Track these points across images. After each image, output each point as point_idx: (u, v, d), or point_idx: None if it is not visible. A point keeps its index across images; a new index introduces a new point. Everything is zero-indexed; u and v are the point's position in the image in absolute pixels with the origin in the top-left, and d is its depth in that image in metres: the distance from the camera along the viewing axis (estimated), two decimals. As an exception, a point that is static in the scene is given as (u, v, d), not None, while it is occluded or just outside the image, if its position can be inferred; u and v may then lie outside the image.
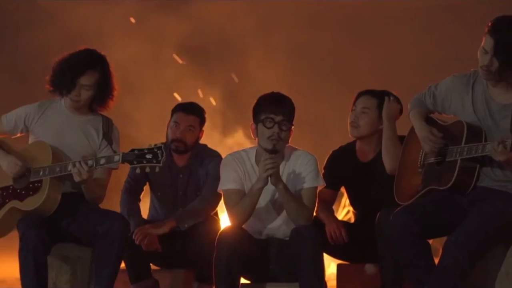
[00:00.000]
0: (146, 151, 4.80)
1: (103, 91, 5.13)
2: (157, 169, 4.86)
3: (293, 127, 5.00)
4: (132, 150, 4.83)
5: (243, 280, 5.00)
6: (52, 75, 5.14)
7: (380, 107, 5.39)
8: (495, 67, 4.56)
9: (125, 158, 4.84)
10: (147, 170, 4.85)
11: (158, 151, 4.79)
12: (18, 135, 5.29)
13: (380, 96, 5.44)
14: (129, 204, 5.66)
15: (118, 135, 5.26)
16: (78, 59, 5.10)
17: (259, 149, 5.02)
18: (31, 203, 4.99)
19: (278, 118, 4.93)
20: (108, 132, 5.19)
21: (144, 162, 4.80)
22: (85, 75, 5.06)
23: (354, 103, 5.49)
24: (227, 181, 5.01)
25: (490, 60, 4.55)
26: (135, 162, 4.82)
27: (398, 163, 5.07)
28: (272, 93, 5.07)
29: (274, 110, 4.94)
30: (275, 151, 4.92)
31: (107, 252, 4.89)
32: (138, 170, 4.85)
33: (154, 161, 4.80)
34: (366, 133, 5.45)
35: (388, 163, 5.19)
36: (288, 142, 5.01)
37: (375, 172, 5.38)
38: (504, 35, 4.52)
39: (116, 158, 4.88)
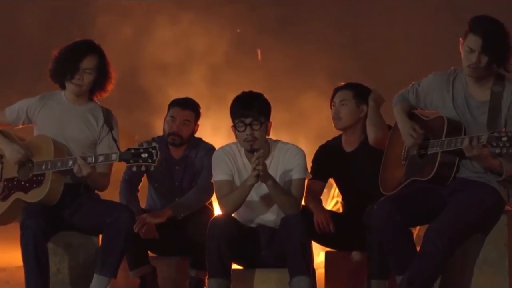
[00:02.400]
0: (141, 150, 4.90)
1: (102, 75, 5.29)
2: (152, 168, 5.00)
3: (269, 121, 5.09)
4: (129, 149, 4.94)
5: (235, 266, 5.15)
6: (54, 65, 5.31)
7: (356, 97, 5.55)
8: (484, 63, 4.65)
9: (122, 157, 4.95)
10: (143, 168, 4.98)
11: (153, 151, 4.89)
12: (20, 126, 5.42)
13: (355, 87, 5.61)
14: (128, 194, 5.81)
15: (117, 123, 5.39)
16: (78, 46, 5.29)
17: None
18: (34, 196, 5.11)
19: (248, 120, 5.02)
20: (108, 118, 5.33)
21: (140, 161, 4.91)
22: (86, 59, 5.24)
23: (333, 99, 5.63)
24: (218, 173, 5.15)
25: (478, 57, 4.65)
26: (131, 161, 4.92)
27: (383, 134, 5.18)
28: (242, 94, 5.15)
29: (243, 114, 5.04)
30: (254, 150, 5.02)
31: (114, 241, 5.01)
32: (134, 169, 4.93)
33: (150, 161, 4.90)
34: (349, 123, 5.58)
35: (371, 130, 5.29)
36: (268, 135, 5.12)
37: (359, 161, 5.50)
38: (490, 31, 4.62)
39: (114, 156, 5.00)
